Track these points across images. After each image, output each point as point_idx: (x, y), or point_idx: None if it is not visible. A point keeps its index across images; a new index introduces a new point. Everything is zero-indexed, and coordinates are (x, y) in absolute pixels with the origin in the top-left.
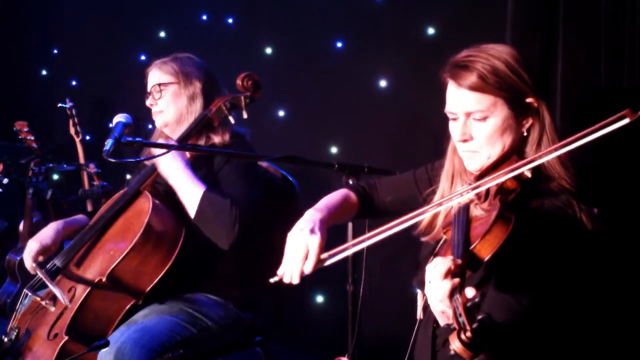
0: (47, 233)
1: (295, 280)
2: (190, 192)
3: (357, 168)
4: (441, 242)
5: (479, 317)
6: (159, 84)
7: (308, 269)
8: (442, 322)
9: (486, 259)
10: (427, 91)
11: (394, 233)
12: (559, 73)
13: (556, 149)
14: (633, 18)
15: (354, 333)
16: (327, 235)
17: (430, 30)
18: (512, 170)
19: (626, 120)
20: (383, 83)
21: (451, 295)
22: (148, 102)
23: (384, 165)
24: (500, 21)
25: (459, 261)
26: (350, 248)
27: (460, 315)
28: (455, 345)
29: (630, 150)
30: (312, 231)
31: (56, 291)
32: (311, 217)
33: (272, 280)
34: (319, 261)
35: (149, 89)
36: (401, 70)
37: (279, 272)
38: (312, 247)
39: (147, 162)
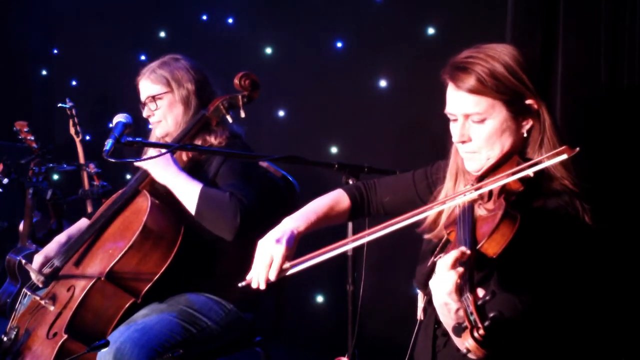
0: (52, 247)
1: (262, 286)
2: (187, 191)
3: (357, 168)
4: (443, 240)
5: (491, 314)
6: (153, 97)
7: (272, 276)
8: (443, 319)
9: (494, 257)
10: (427, 91)
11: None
12: (559, 73)
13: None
14: (633, 18)
15: (354, 333)
16: (296, 245)
17: (430, 30)
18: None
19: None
20: (383, 83)
21: (459, 291)
22: (145, 114)
23: (384, 165)
24: (500, 21)
25: (468, 251)
26: (315, 257)
27: (471, 313)
28: (468, 343)
29: (632, 150)
30: (278, 241)
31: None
32: (283, 227)
33: (240, 284)
34: (282, 270)
35: (142, 100)
36: (401, 70)
37: (248, 277)
38: (275, 256)
39: (141, 168)
